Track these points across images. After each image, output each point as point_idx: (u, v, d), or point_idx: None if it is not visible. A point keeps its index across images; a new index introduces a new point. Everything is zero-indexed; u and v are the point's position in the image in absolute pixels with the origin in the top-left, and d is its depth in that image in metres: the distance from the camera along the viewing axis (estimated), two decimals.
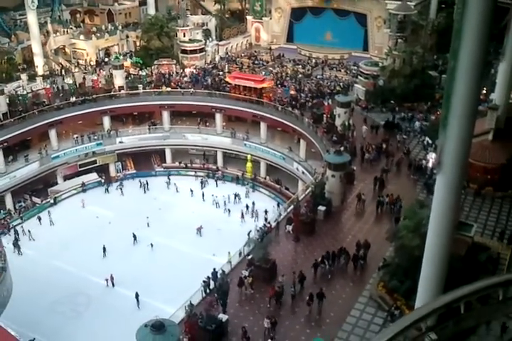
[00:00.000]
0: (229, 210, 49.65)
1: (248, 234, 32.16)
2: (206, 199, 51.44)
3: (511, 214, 31.36)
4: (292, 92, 52.90)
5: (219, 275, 26.03)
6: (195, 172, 55.97)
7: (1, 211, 48.50)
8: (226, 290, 24.38)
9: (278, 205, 48.49)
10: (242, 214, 48.42)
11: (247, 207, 48.94)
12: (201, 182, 54.27)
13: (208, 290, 26.18)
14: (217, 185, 54.69)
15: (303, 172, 47.95)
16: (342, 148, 37.40)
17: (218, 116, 55.43)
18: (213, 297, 24.68)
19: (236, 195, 51.43)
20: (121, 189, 53.44)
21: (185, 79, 57.80)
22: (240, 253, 29.41)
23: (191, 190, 52.56)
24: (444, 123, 18.73)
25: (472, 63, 16.77)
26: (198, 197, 51.94)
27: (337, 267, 27.85)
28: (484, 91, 42.26)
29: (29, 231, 45.92)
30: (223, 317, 23.74)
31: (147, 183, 54.01)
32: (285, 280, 25.94)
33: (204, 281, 26.37)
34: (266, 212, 46.63)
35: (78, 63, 63.80)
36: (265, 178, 54.16)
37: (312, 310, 24.94)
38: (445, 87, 18.21)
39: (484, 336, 23.13)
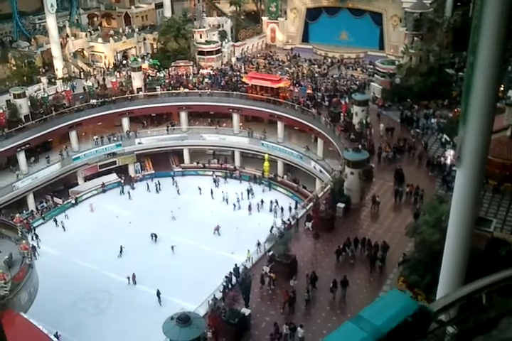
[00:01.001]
0: (241, 207, 50.57)
1: (270, 230, 32.57)
2: (221, 197, 52.02)
3: None
4: (309, 91, 53.23)
5: (241, 271, 26.44)
6: (213, 172, 56.49)
7: (24, 211, 49.43)
8: (248, 284, 24.76)
9: (296, 204, 48.93)
10: (250, 206, 49.53)
11: (262, 201, 49.83)
12: (214, 181, 54.86)
13: (230, 286, 26.63)
14: (226, 182, 55.35)
15: (320, 171, 48.24)
16: (360, 146, 37.61)
17: (235, 116, 55.95)
18: (236, 291, 25.11)
19: (249, 191, 52.18)
20: (129, 193, 53.67)
21: (206, 80, 58.21)
22: (260, 249, 29.85)
23: (199, 188, 53.20)
24: (463, 118, 18.97)
25: (491, 58, 17.04)
26: (212, 196, 52.66)
27: (360, 257, 28.53)
28: (501, 89, 42.20)
29: (37, 237, 46.10)
30: (246, 311, 24.20)
31: (159, 183, 54.61)
32: (297, 284, 26.06)
33: (226, 277, 26.83)
34: (276, 201, 48.96)
35: (93, 65, 64.80)
36: (282, 177, 54.55)
37: (336, 297, 25.55)
38: (464, 82, 18.48)
39: (505, 330, 23.29)
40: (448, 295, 19.98)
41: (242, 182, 55.05)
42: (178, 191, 53.86)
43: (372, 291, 26.21)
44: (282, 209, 48.31)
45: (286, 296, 25.06)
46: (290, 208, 47.51)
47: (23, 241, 30.59)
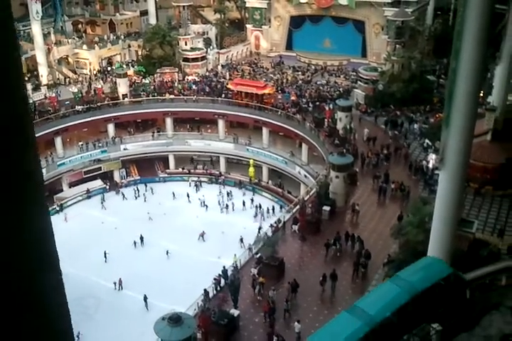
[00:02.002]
0: (223, 211, 51.33)
1: (258, 232, 33.07)
2: (201, 202, 52.49)
3: (511, 212, 32.29)
4: (293, 98, 53.91)
5: (230, 273, 26.82)
6: (199, 177, 56.82)
7: None
8: (237, 286, 25.13)
9: (280, 208, 49.67)
10: (227, 205, 50.95)
11: (244, 203, 51.17)
12: (195, 186, 55.19)
13: (218, 288, 26.99)
14: (202, 187, 55.85)
15: (305, 176, 48.86)
16: (344, 151, 38.28)
17: (221, 122, 56.41)
18: (225, 293, 25.48)
19: (228, 193, 53.17)
20: (102, 203, 53.18)
21: (193, 87, 58.65)
22: (244, 245, 30.34)
23: (173, 194, 53.58)
24: (446, 122, 19.65)
25: (473, 63, 17.76)
26: (189, 200, 53.09)
27: (349, 253, 29.60)
28: (481, 95, 43.26)
29: None
30: (235, 312, 24.54)
31: (138, 190, 54.78)
32: (276, 294, 25.73)
33: (215, 279, 27.17)
34: (261, 205, 49.71)
35: (76, 72, 64.88)
36: (267, 182, 55.06)
37: (325, 290, 26.34)
38: (447, 87, 19.18)
39: (487, 327, 23.98)
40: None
41: (226, 187, 55.43)
42: (144, 199, 53.72)
43: (358, 291, 26.70)
44: (263, 209, 49.45)
45: (267, 307, 24.88)
46: (270, 209, 49.27)
47: None
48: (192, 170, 58.06)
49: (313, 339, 16.41)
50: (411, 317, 16.47)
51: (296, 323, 23.49)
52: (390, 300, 16.09)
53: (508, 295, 25.15)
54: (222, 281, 27.34)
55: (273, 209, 49.57)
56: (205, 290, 26.51)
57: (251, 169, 55.03)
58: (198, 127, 59.16)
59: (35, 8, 57.29)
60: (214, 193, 53.65)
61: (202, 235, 46.79)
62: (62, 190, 54.55)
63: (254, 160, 54.72)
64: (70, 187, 54.75)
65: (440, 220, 21.70)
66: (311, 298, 26.21)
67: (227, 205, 51.12)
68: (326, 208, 32.85)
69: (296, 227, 31.61)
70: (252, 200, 51.35)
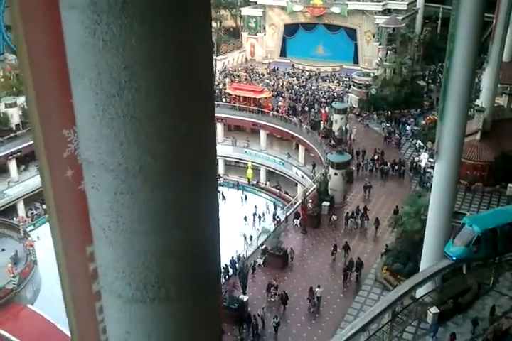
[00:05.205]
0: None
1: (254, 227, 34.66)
2: None
3: (499, 206, 34.28)
4: (280, 103, 55.70)
5: (238, 261, 28.54)
6: None
7: (14, 218, 50.34)
8: (246, 273, 26.80)
9: (274, 206, 51.34)
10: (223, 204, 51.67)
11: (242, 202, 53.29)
12: None
13: (226, 276, 28.66)
14: None
15: (302, 177, 50.56)
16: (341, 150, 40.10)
17: (219, 126, 58.00)
18: (235, 280, 27.18)
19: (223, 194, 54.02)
20: None
21: None
22: (253, 243, 32.10)
23: None
24: (441, 116, 21.61)
25: (464, 63, 19.74)
26: None
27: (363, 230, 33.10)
28: None
29: None
30: (244, 297, 26.19)
31: None
32: (264, 312, 25.69)
33: (223, 268, 28.82)
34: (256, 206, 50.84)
35: None
36: (265, 184, 56.72)
37: (336, 259, 29.19)
38: (442, 84, 21.15)
39: (480, 310, 25.84)
40: None
41: (224, 189, 56.91)
42: None
43: (358, 280, 28.46)
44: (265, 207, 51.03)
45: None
46: (268, 208, 50.65)
47: (28, 238, 32.10)
48: None
49: (468, 219, 22.81)
50: None
51: (317, 288, 25.53)
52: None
53: (499, 281, 27.07)
54: (231, 271, 29.00)
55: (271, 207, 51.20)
56: (225, 279, 28.11)
57: (249, 171, 56.65)
58: None
59: None
60: None
61: None
62: None
63: (252, 162, 56.38)
64: None
65: (436, 210, 23.62)
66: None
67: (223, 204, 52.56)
68: (326, 203, 34.62)
69: (297, 221, 33.37)
70: (246, 198, 52.96)
